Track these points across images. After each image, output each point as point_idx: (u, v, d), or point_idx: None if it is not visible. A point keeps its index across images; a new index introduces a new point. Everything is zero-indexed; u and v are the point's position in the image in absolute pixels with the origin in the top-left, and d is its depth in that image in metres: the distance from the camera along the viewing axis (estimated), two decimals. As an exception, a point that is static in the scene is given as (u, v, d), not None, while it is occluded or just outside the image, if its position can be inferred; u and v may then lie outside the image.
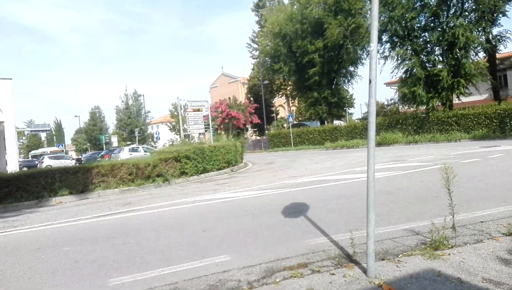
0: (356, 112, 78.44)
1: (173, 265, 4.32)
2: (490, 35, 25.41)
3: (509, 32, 25.56)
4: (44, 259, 5.13)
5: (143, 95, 64.26)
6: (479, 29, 24.52)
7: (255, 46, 53.41)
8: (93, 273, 4.35)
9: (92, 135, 70.98)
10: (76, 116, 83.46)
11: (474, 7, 24.62)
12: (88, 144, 70.10)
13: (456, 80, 24.42)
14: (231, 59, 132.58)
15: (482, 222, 4.99)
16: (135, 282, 3.96)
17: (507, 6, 24.87)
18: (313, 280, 3.54)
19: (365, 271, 3.60)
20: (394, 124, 27.84)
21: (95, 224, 7.35)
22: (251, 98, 51.93)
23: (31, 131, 58.70)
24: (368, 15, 31.46)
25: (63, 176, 11.91)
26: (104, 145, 54.25)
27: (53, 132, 79.65)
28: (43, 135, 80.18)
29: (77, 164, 21.84)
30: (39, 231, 7.18)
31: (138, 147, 32.19)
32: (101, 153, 34.90)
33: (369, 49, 3.59)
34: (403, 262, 3.78)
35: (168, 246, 5.19)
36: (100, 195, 12.10)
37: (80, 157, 44.06)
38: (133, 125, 64.48)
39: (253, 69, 53.00)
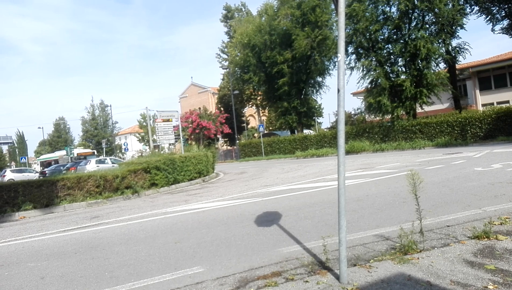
0: (324, 122, 79.94)
1: (144, 279, 4.22)
2: (450, 47, 26.66)
3: (467, 44, 27.05)
4: (8, 276, 4.89)
5: (110, 106, 62.73)
6: (439, 41, 25.68)
7: (225, 56, 53.61)
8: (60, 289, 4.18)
9: (57, 147, 68.63)
10: (39, 127, 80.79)
11: (434, 20, 25.76)
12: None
13: (418, 90, 25.38)
14: (200, 69, 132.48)
15: (448, 226, 5.17)
16: (105, 298, 3.84)
17: (465, 19, 26.29)
18: (287, 288, 3.54)
19: (338, 277, 3.64)
20: (361, 132, 28.53)
21: (61, 239, 7.07)
22: (222, 108, 51.87)
23: (-8, 143, 56.26)
24: (334, 27, 32.36)
25: (26, 189, 11.42)
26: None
27: (16, 145, 76.49)
28: (4, 148, 76.76)
29: (41, 177, 21.01)
30: (2, 247, 6.84)
31: (106, 159, 31.31)
32: (67, 166, 33.71)
33: (336, 60, 3.68)
34: (374, 267, 3.85)
35: (138, 259, 5.06)
36: (66, 209, 11.68)
37: (44, 170, 42.29)
38: (100, 136, 63.01)
39: (223, 79, 53.11)
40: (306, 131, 40.86)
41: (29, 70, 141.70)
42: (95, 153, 49.30)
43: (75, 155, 45.91)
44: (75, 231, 7.69)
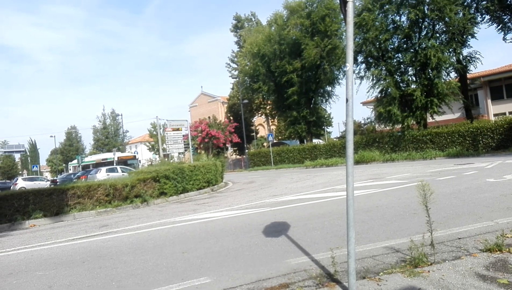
0: (334, 131, 79.65)
1: (151, 289, 4.19)
2: (461, 56, 26.49)
3: (478, 53, 26.81)
4: (16, 284, 4.91)
5: (121, 115, 63.57)
6: (450, 50, 25.48)
7: (235, 66, 53.97)
8: (67, 300, 4.18)
9: (68, 155, 69.42)
10: (51, 136, 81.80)
11: (444, 29, 25.64)
12: (64, 165, 68.40)
13: (429, 99, 25.16)
14: (210, 79, 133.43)
15: (459, 238, 5.06)
16: (112, 308, 3.82)
17: (476, 28, 26.12)
18: (294, 301, 3.49)
19: (346, 290, 3.58)
20: (371, 142, 28.32)
21: (69, 247, 7.10)
22: (231, 117, 52.02)
23: (5, 152, 57.14)
24: (343, 37, 32.36)
25: (37, 198, 11.52)
26: (80, 166, 52.90)
27: (28, 153, 77.56)
28: (17, 156, 77.87)
29: (52, 186, 21.22)
30: (12, 255, 6.89)
31: (116, 168, 31.53)
32: (77, 174, 34.04)
33: (345, 69, 3.66)
34: (383, 280, 3.78)
35: (146, 269, 5.04)
36: (75, 217, 11.75)
37: (55, 178, 42.61)
38: (111, 145, 63.55)
39: (232, 89, 53.35)
40: (315, 141, 40.71)
41: (42, 79, 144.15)
42: (136, 157, 49.19)
43: (116, 158, 43.75)
44: (83, 240, 7.72)
